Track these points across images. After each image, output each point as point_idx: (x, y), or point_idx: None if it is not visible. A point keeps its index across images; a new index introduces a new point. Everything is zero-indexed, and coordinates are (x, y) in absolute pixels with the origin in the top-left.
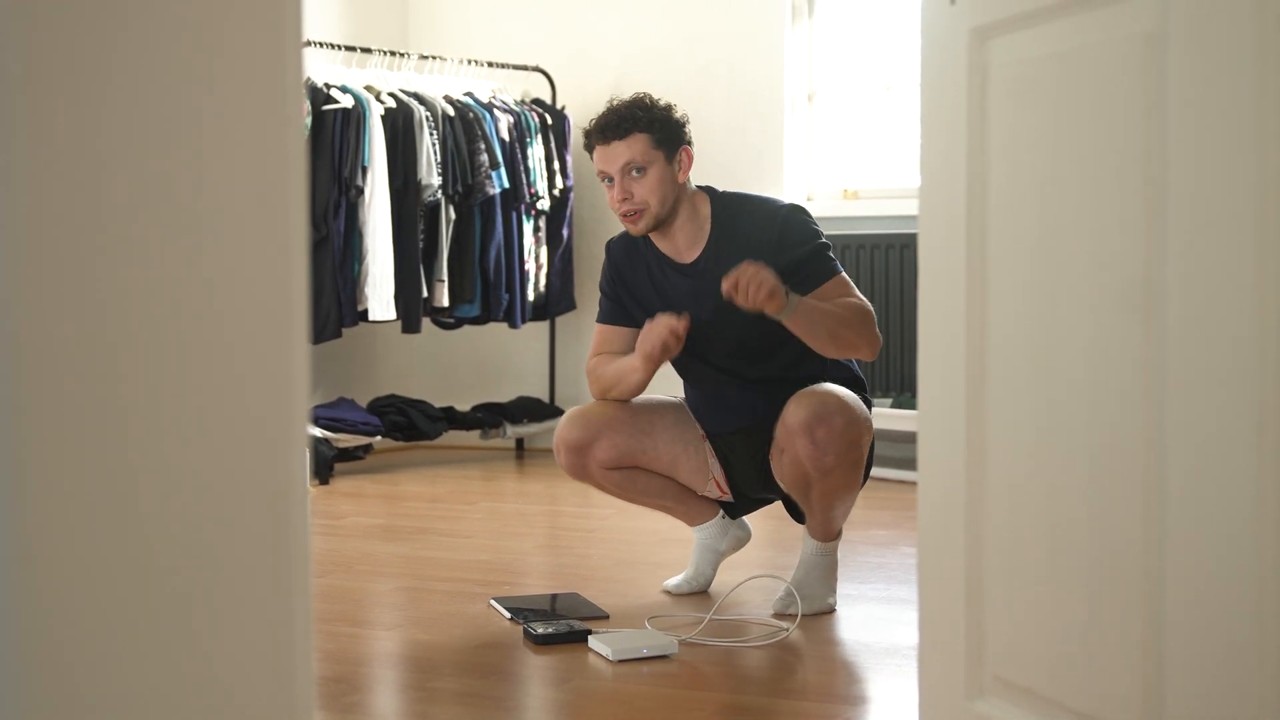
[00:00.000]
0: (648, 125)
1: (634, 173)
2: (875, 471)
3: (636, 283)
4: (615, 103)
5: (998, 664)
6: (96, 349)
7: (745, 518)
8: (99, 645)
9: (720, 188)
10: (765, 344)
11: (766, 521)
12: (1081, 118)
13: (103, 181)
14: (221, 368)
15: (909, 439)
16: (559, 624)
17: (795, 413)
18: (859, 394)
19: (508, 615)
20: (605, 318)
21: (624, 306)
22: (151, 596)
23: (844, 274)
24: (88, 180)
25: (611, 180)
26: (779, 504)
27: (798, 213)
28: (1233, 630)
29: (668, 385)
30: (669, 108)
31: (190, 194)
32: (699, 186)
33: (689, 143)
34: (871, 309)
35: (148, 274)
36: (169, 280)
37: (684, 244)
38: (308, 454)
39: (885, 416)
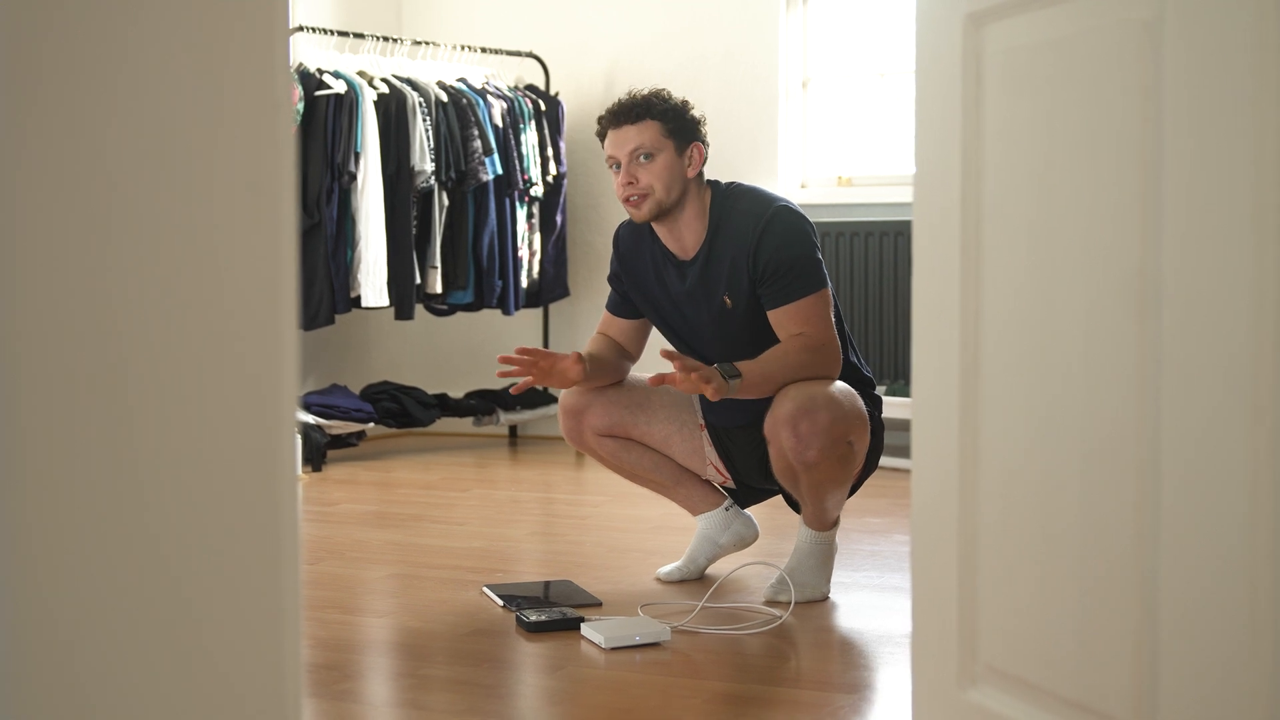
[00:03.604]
0: (661, 114)
1: (641, 158)
2: None
3: (640, 272)
4: (633, 92)
5: (991, 653)
6: (84, 336)
7: (754, 519)
8: (85, 632)
9: (725, 179)
10: (764, 344)
11: (763, 508)
12: (1077, 105)
13: (89, 168)
14: (210, 354)
15: (902, 426)
16: (551, 611)
17: (782, 406)
18: (862, 392)
19: (500, 602)
20: (609, 305)
21: (626, 298)
22: (139, 583)
23: (813, 296)
24: (74, 166)
25: (619, 165)
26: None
27: (782, 215)
28: (1226, 620)
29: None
30: (685, 103)
31: (178, 181)
32: (706, 181)
33: (703, 141)
34: (825, 340)
35: (135, 261)
36: (157, 267)
37: (689, 240)
38: (298, 440)
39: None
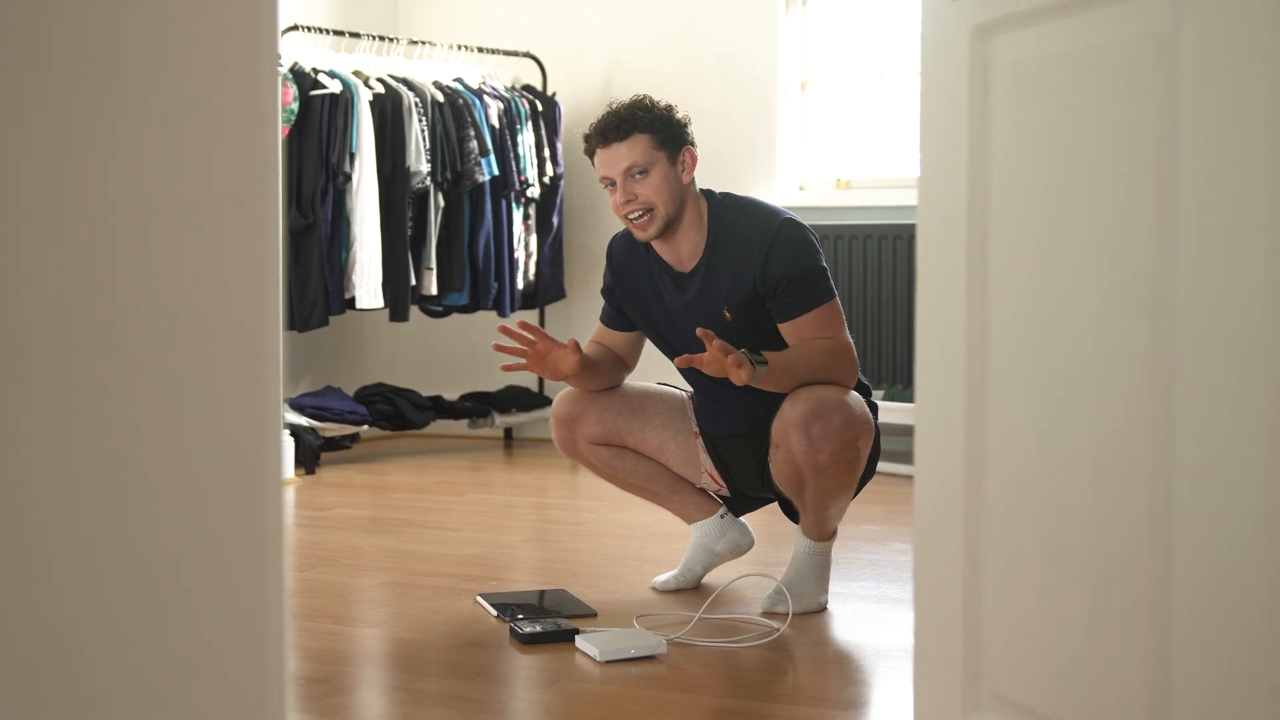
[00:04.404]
0: (648, 125)
1: (636, 175)
2: None
3: (635, 284)
4: (615, 105)
5: (995, 680)
6: (67, 338)
7: (749, 526)
8: (60, 640)
9: (723, 182)
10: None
11: (759, 517)
12: (1089, 119)
13: (75, 170)
14: (195, 357)
15: (900, 432)
16: (546, 622)
17: (793, 408)
18: (863, 398)
19: (494, 613)
20: (603, 317)
21: (619, 310)
22: (118, 590)
23: (826, 305)
24: (58, 168)
25: (614, 184)
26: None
27: (788, 229)
28: (1243, 645)
29: (669, 375)
30: (670, 108)
31: (164, 188)
32: (700, 190)
33: (692, 143)
34: (847, 345)
35: (118, 267)
36: (140, 272)
37: (686, 252)
38: (289, 443)
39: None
